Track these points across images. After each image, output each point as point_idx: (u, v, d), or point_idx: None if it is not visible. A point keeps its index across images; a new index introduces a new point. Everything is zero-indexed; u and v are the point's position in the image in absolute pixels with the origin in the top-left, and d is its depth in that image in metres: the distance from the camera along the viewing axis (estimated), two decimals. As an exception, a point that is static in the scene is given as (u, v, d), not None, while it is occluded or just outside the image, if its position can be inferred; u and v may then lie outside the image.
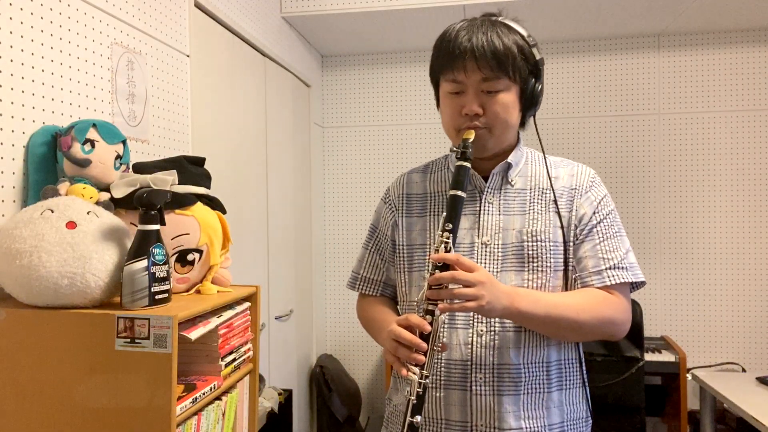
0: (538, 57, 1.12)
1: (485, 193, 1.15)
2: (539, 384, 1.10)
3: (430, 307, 0.99)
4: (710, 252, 3.02)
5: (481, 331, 1.09)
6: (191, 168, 1.26)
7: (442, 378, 1.10)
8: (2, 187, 1.10)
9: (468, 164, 1.05)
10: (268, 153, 2.47)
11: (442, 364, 1.10)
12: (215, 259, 1.23)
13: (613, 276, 1.10)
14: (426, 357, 0.97)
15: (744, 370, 2.93)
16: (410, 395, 0.98)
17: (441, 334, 1.08)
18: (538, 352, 1.10)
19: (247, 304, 1.31)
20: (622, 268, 1.11)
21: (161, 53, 1.65)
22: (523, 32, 1.12)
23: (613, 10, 2.69)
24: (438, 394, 1.11)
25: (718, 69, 3.01)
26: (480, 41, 1.06)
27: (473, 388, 1.08)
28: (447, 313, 1.08)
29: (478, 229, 1.13)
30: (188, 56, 1.80)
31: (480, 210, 1.15)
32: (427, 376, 0.97)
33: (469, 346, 1.09)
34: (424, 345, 0.97)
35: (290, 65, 2.74)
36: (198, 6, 1.87)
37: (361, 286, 1.30)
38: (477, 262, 1.10)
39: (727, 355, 2.99)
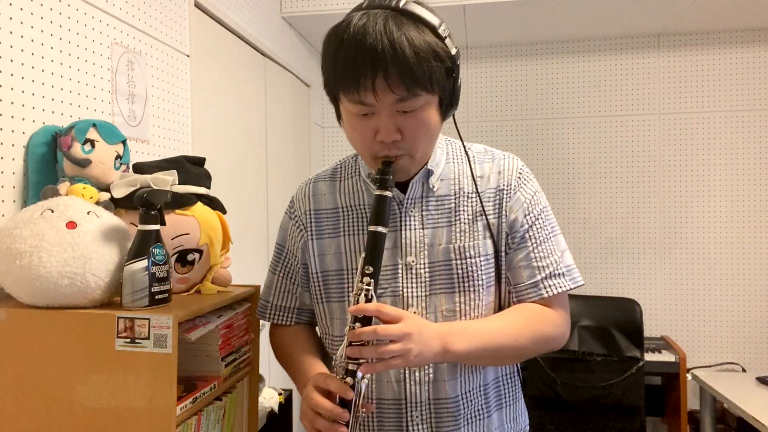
0: (453, 51, 0.91)
1: (405, 204, 1.00)
2: (478, 411, 1.01)
3: (351, 367, 0.86)
4: (710, 252, 3.02)
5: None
6: (191, 168, 1.26)
7: (375, 419, 1.00)
8: (2, 187, 1.10)
9: (390, 193, 0.91)
10: (268, 153, 2.47)
11: (374, 404, 1.00)
12: (215, 259, 1.23)
13: (550, 287, 1.00)
14: (349, 428, 0.86)
15: (744, 370, 2.93)
16: None
17: (365, 396, 0.93)
18: (475, 378, 1.01)
19: (247, 305, 1.30)
20: (558, 275, 1.00)
21: (161, 53, 1.65)
22: (435, 21, 0.89)
23: (613, 10, 2.69)
24: None
25: (718, 69, 3.01)
26: (387, 53, 0.83)
27: (409, 428, 0.98)
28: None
29: (400, 247, 0.99)
30: (188, 56, 1.80)
31: (400, 225, 1.00)
32: None
33: (401, 384, 0.98)
34: (346, 415, 0.85)
35: (290, 65, 2.74)
36: (198, 6, 1.87)
37: (272, 315, 1.14)
38: (402, 287, 0.99)
39: (727, 355, 2.99)
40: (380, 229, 0.90)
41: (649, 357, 2.71)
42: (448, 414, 0.98)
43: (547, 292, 1.00)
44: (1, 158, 1.10)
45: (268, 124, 2.47)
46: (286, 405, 2.20)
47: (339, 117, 1.01)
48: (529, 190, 1.04)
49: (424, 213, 1.01)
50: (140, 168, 1.21)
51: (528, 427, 1.13)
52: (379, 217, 0.90)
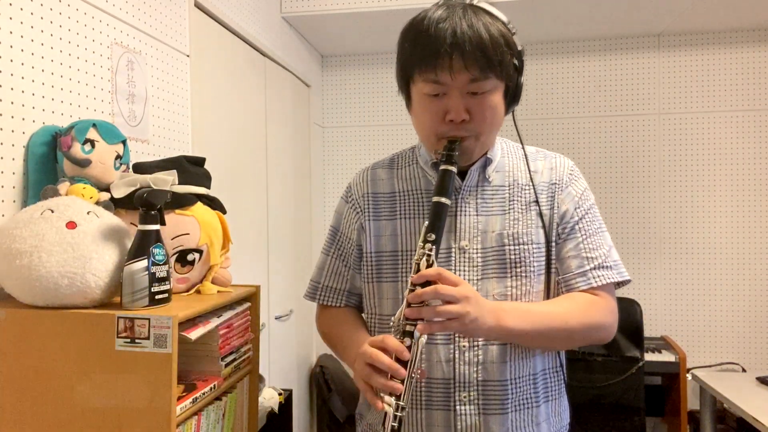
0: (520, 47, 0.99)
1: (462, 191, 1.05)
2: (527, 399, 1.03)
3: (409, 328, 0.89)
4: (710, 252, 3.02)
5: (463, 347, 1.01)
6: (191, 168, 1.26)
7: (423, 397, 1.02)
8: (2, 187, 1.10)
9: (454, 168, 0.96)
10: (268, 153, 2.47)
11: (423, 383, 1.02)
12: (215, 259, 1.23)
13: (598, 277, 1.03)
14: (404, 385, 0.86)
15: (744, 370, 2.93)
16: (384, 430, 0.86)
17: (421, 359, 0.96)
18: (525, 365, 1.03)
19: (247, 304, 1.30)
20: (607, 267, 1.04)
21: (161, 53, 1.65)
22: (504, 19, 0.99)
23: (613, 10, 2.69)
24: (420, 415, 1.03)
25: (718, 69, 3.01)
26: (466, 35, 0.91)
27: (457, 407, 1.00)
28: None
29: (455, 232, 1.04)
30: (188, 56, 1.80)
31: (456, 211, 1.04)
32: (404, 408, 0.86)
33: (451, 363, 1.01)
34: (403, 371, 0.86)
35: (290, 65, 2.74)
36: (198, 6, 1.87)
37: (322, 296, 1.17)
38: (454, 270, 1.02)
39: (727, 355, 2.99)
40: (443, 200, 0.94)
41: (649, 357, 2.70)
42: (496, 397, 1.01)
43: (595, 281, 1.03)
44: (1, 158, 1.10)
45: (268, 124, 2.47)
46: (286, 405, 2.20)
47: (408, 104, 1.07)
48: (579, 186, 1.09)
49: (479, 201, 1.06)
50: (140, 168, 1.21)
51: (569, 425, 1.14)
52: (443, 189, 0.94)
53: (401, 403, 0.86)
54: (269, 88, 2.50)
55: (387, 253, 1.08)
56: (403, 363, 0.87)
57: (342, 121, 3.32)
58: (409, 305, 0.89)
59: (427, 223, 0.94)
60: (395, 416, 0.86)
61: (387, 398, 0.87)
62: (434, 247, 0.92)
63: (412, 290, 0.90)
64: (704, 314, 3.02)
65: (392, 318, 0.95)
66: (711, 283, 3.02)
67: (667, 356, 2.73)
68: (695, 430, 2.80)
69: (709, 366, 2.96)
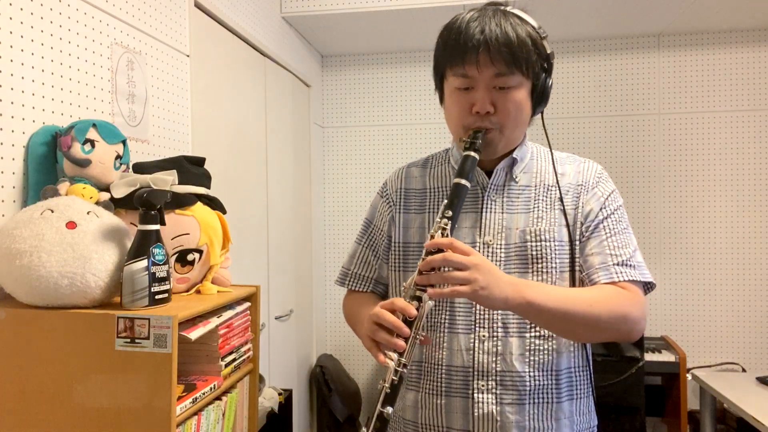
0: (549, 50, 1.05)
1: (488, 189, 1.10)
2: (547, 393, 1.05)
3: (418, 293, 0.93)
4: (710, 252, 3.02)
5: (483, 336, 1.04)
6: (191, 168, 1.27)
7: (443, 384, 1.07)
8: (2, 187, 1.10)
9: (476, 155, 1.00)
10: (268, 153, 2.47)
11: (443, 370, 1.06)
12: (215, 259, 1.23)
13: (620, 273, 1.03)
14: (407, 344, 0.91)
15: (744, 370, 2.93)
16: (384, 383, 0.91)
17: (438, 323, 1.06)
18: (546, 359, 1.05)
19: (247, 304, 1.31)
20: (630, 266, 1.05)
21: (161, 53, 1.65)
22: (534, 23, 1.05)
23: (613, 10, 2.69)
24: (439, 401, 1.07)
25: (718, 69, 3.01)
26: (494, 33, 0.98)
27: (475, 395, 1.04)
28: (441, 310, 1.05)
29: (480, 228, 1.08)
30: (188, 56, 1.80)
31: (482, 208, 1.09)
32: (405, 365, 0.91)
33: (471, 352, 1.04)
34: (407, 330, 0.91)
35: (290, 65, 2.74)
36: (198, 6, 1.87)
37: (350, 282, 1.24)
38: None
39: (727, 355, 2.99)
40: (463, 182, 0.99)
41: (649, 357, 2.70)
42: (514, 387, 1.03)
43: (617, 276, 1.04)
44: (1, 158, 1.10)
45: (268, 124, 2.47)
46: (286, 405, 2.20)
47: (441, 100, 1.13)
48: (606, 188, 1.12)
49: (505, 199, 1.10)
50: (140, 168, 1.21)
51: (596, 427, 1.15)
52: (464, 171, 1.00)
53: (403, 360, 0.91)
54: (269, 88, 2.50)
55: (414, 244, 1.14)
56: (410, 324, 0.92)
57: (342, 121, 3.32)
58: (420, 273, 0.93)
59: (446, 201, 0.99)
60: (396, 371, 0.90)
61: (390, 354, 0.91)
62: (450, 222, 0.96)
63: (424, 259, 0.94)
64: (704, 314, 3.02)
65: (404, 284, 0.99)
66: (711, 283, 3.02)
67: (667, 356, 2.73)
68: (695, 430, 2.80)
69: (709, 366, 2.96)
